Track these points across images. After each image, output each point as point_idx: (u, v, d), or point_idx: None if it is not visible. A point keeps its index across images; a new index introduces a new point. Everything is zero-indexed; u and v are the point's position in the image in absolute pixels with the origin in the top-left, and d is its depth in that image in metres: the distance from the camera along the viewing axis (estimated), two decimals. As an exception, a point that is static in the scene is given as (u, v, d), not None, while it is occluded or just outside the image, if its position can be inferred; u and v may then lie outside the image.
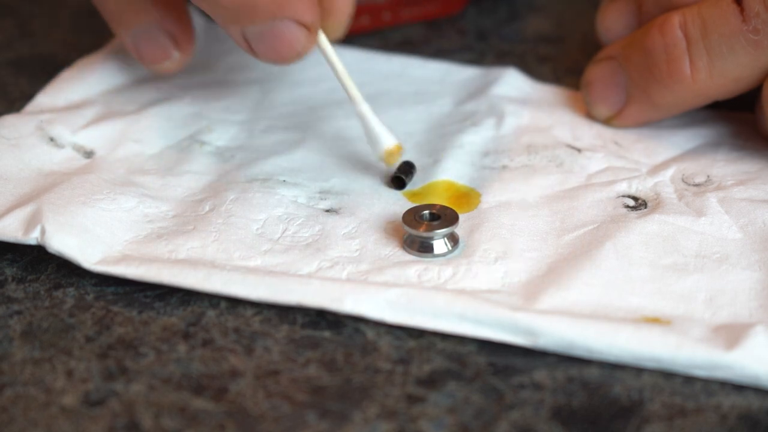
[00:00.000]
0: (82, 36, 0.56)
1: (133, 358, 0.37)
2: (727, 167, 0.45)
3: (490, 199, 0.43)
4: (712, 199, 0.42)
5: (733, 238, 0.41)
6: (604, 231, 0.41)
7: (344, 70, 0.43)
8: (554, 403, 0.35)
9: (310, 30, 0.41)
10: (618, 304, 0.38)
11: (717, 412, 0.35)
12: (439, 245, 0.40)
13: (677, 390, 0.35)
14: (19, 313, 0.39)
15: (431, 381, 0.36)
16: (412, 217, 0.41)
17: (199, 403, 0.35)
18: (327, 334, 0.38)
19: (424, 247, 0.40)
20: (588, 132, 0.47)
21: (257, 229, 0.41)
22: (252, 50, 0.41)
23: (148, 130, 0.47)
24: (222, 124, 0.48)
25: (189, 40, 0.46)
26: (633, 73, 0.46)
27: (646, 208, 0.43)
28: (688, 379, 0.36)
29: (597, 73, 0.47)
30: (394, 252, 0.41)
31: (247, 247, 0.41)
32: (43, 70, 0.52)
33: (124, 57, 0.50)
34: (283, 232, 0.41)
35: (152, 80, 0.50)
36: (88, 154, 0.45)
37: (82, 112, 0.47)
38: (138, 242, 0.41)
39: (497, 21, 0.58)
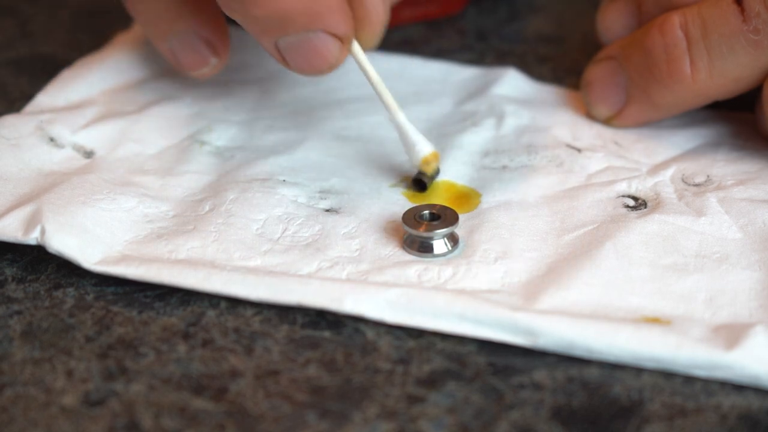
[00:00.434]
0: (82, 36, 0.56)
1: (133, 358, 0.37)
2: (727, 167, 0.45)
3: (490, 199, 0.43)
4: (712, 199, 0.42)
5: (733, 238, 0.41)
6: (604, 231, 0.41)
7: (380, 80, 0.43)
8: (554, 403, 0.35)
9: (344, 41, 0.41)
10: (618, 304, 0.38)
11: (717, 412, 0.35)
12: (439, 245, 0.40)
13: (677, 390, 0.35)
14: (19, 313, 0.39)
15: (431, 381, 0.36)
16: (412, 217, 0.41)
17: (199, 403, 0.35)
18: (327, 334, 0.38)
19: (424, 247, 0.40)
20: (588, 132, 0.47)
21: (257, 229, 0.41)
22: (285, 61, 0.41)
23: (148, 130, 0.47)
24: (222, 124, 0.48)
25: (225, 46, 0.46)
26: (633, 73, 0.46)
27: (646, 208, 0.43)
28: (688, 379, 0.36)
29: (597, 73, 0.47)
30: (394, 252, 0.41)
31: (247, 247, 0.41)
32: (43, 70, 0.52)
33: (124, 57, 0.50)
34: (283, 232, 0.41)
35: (152, 80, 0.50)
36: (88, 154, 0.45)
37: (82, 112, 0.47)
38: (138, 242, 0.41)
39: (497, 21, 0.58)
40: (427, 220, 0.41)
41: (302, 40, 0.40)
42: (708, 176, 0.44)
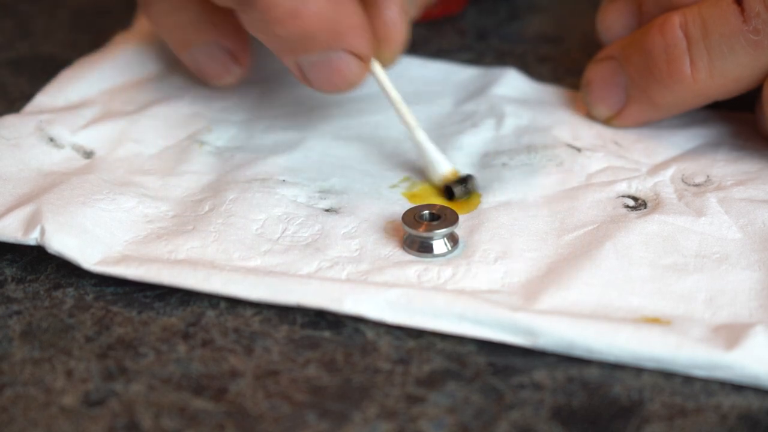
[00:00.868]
0: (82, 36, 0.56)
1: (132, 358, 0.37)
2: (727, 167, 0.44)
3: (490, 199, 0.43)
4: (712, 199, 0.42)
5: (733, 238, 0.41)
6: (604, 231, 0.41)
7: (399, 98, 0.44)
8: (554, 403, 0.35)
9: (364, 60, 0.42)
10: (618, 304, 0.38)
11: (717, 412, 0.35)
12: (439, 245, 0.40)
13: (677, 390, 0.35)
14: (18, 313, 0.39)
15: (431, 381, 0.36)
16: (412, 217, 0.41)
17: (199, 403, 0.35)
18: (327, 334, 0.38)
19: (423, 247, 0.40)
20: (588, 132, 0.47)
21: (257, 229, 0.41)
22: (305, 79, 0.42)
23: (148, 130, 0.47)
24: (221, 124, 0.48)
25: (247, 55, 0.47)
26: (633, 73, 0.46)
27: (645, 208, 0.43)
28: (688, 379, 0.36)
29: (597, 73, 0.47)
30: (393, 252, 0.41)
31: (247, 247, 0.41)
32: (43, 70, 0.52)
33: (124, 57, 0.50)
34: (283, 232, 0.41)
35: (152, 80, 0.50)
36: (88, 154, 0.45)
37: (81, 112, 0.47)
38: (138, 242, 0.41)
39: (497, 21, 0.58)
40: (427, 220, 0.41)
41: (324, 59, 0.41)
42: (708, 176, 0.44)
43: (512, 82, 0.50)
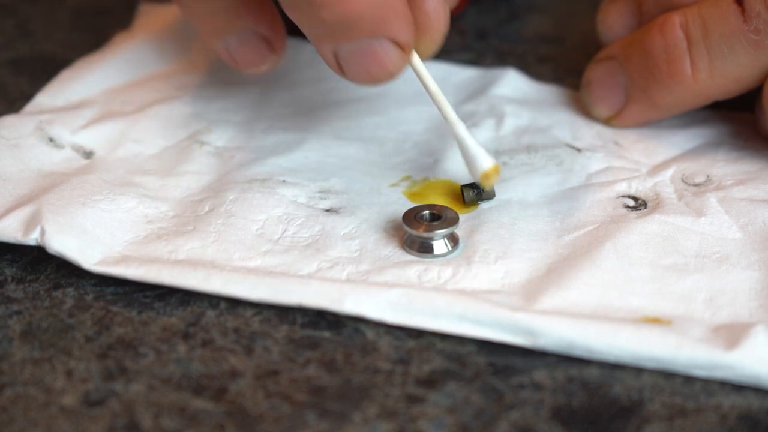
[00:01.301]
0: (82, 36, 0.56)
1: (132, 358, 0.37)
2: (727, 167, 0.44)
3: (490, 199, 0.43)
4: (712, 199, 0.42)
5: (733, 238, 0.41)
6: (604, 231, 0.41)
7: (438, 91, 0.42)
8: (554, 403, 0.35)
9: (405, 50, 0.39)
10: (618, 304, 0.38)
11: (717, 412, 0.35)
12: (439, 246, 0.40)
13: (677, 390, 0.35)
14: (18, 313, 0.39)
15: (431, 381, 0.36)
16: (413, 217, 0.41)
17: (199, 403, 0.35)
18: (327, 334, 0.38)
19: (424, 248, 0.40)
20: (588, 132, 0.47)
21: (257, 229, 0.41)
22: (341, 69, 0.40)
23: (148, 131, 0.47)
24: (221, 125, 0.48)
25: (282, 41, 0.45)
26: (633, 73, 0.46)
27: (646, 208, 0.43)
28: (688, 379, 0.36)
29: (597, 73, 0.47)
30: (394, 252, 0.41)
31: (247, 247, 0.41)
32: (43, 70, 0.52)
33: (124, 57, 0.50)
34: (283, 233, 0.41)
35: (152, 80, 0.50)
36: (88, 154, 0.45)
37: (81, 112, 0.47)
38: (138, 243, 0.41)
39: (497, 21, 0.58)
40: (427, 220, 0.41)
41: (364, 47, 0.39)
42: (708, 176, 0.44)
43: (512, 83, 0.50)
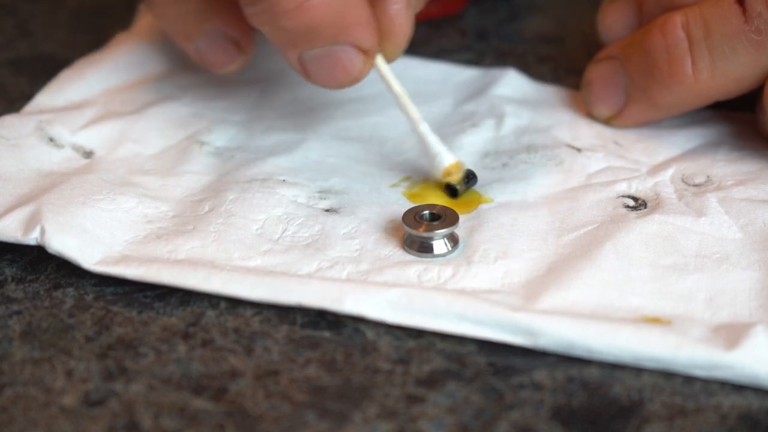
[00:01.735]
0: (82, 36, 0.56)
1: (132, 358, 0.37)
2: (727, 167, 0.44)
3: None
4: (712, 199, 0.42)
5: (733, 238, 0.41)
6: (604, 231, 0.41)
7: (403, 92, 0.43)
8: (554, 403, 0.35)
9: (368, 55, 0.41)
10: (618, 304, 0.38)
11: (717, 412, 0.35)
12: (439, 245, 0.40)
13: (677, 390, 0.35)
14: (18, 313, 0.39)
15: (431, 381, 0.36)
16: (413, 217, 0.41)
17: (199, 403, 0.35)
18: (327, 334, 0.38)
19: (424, 248, 0.40)
20: (588, 132, 0.47)
21: (257, 229, 0.41)
22: (306, 74, 0.41)
23: (148, 130, 0.47)
24: (221, 125, 0.48)
25: (250, 42, 0.46)
26: (633, 73, 0.46)
27: (646, 208, 0.43)
28: (688, 379, 0.36)
29: (597, 73, 0.47)
30: (394, 252, 0.41)
31: (247, 247, 0.41)
32: (43, 70, 0.52)
33: (124, 57, 0.50)
34: (283, 232, 0.41)
35: (152, 80, 0.50)
36: (88, 154, 0.45)
37: (81, 112, 0.47)
38: (137, 242, 0.41)
39: (497, 21, 0.58)
40: (427, 220, 0.41)
41: (327, 53, 0.40)
42: (708, 176, 0.44)
43: (512, 83, 0.50)
